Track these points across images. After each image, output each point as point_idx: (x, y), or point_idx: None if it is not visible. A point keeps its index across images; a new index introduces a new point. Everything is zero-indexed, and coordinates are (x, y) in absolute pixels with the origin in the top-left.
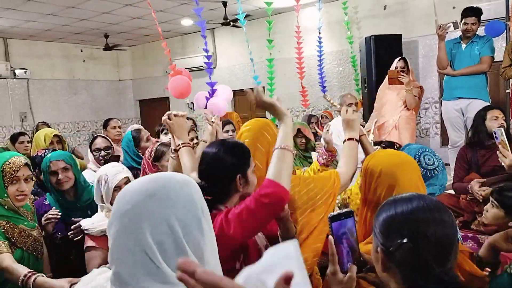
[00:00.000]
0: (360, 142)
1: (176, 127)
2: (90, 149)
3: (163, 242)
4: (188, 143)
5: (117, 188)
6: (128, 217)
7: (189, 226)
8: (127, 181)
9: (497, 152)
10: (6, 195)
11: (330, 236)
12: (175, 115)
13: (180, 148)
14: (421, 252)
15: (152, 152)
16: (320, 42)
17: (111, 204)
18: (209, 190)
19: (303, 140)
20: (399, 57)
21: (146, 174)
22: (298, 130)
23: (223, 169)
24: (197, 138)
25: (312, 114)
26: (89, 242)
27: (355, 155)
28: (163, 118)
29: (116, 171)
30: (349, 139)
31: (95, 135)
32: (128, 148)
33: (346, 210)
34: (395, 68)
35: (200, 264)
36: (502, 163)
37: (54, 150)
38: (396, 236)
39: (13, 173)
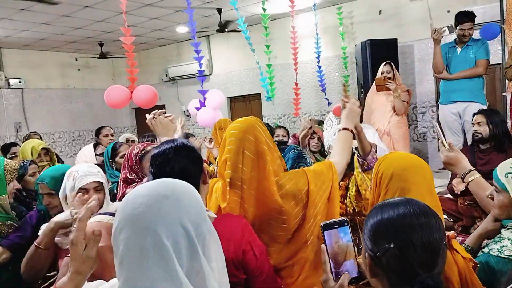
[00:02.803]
0: (357, 137)
1: (161, 127)
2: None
3: (178, 243)
4: None
5: (83, 190)
6: (142, 220)
7: (200, 227)
8: (98, 186)
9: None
10: (6, 192)
11: (322, 245)
12: (159, 115)
13: None
14: (407, 257)
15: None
16: (318, 47)
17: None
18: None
19: (316, 141)
20: (385, 62)
21: (128, 180)
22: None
23: (198, 161)
24: None
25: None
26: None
27: (349, 145)
28: (148, 117)
29: (88, 172)
30: (344, 128)
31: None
32: (105, 158)
33: (340, 219)
34: (381, 73)
35: (206, 264)
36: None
37: (33, 162)
38: (382, 242)
39: (13, 171)
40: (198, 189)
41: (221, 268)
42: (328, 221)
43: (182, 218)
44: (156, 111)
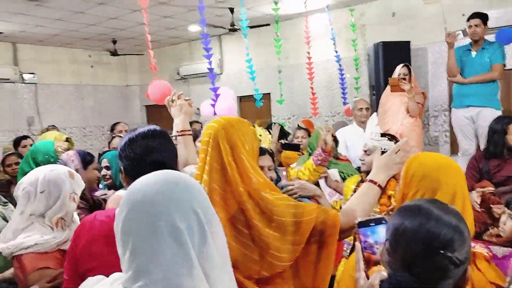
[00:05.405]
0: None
1: (178, 108)
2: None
3: (191, 227)
4: (185, 131)
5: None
6: (156, 205)
7: (208, 213)
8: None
9: None
10: None
11: (357, 243)
12: (178, 97)
13: (175, 137)
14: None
15: None
16: (335, 47)
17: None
18: None
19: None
20: (402, 64)
21: None
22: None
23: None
24: None
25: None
26: (39, 263)
27: (370, 201)
28: (167, 98)
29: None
30: (371, 180)
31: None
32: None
33: (377, 216)
34: (398, 75)
35: (214, 250)
36: None
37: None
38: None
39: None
40: None
41: (226, 254)
42: (364, 218)
43: (193, 203)
44: (176, 91)
